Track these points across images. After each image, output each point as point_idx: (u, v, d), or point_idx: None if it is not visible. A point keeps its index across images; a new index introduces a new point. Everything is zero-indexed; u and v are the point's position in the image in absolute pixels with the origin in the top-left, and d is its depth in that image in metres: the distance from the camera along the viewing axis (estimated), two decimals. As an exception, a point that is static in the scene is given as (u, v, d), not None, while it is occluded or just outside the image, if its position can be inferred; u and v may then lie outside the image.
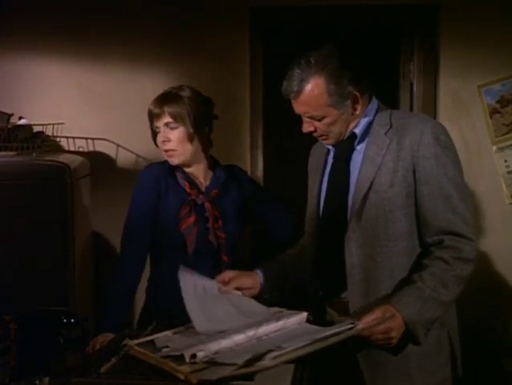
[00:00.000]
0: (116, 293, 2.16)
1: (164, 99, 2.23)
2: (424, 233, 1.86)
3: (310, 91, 1.84)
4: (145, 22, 3.17)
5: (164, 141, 2.22)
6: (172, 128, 2.21)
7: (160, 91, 2.32)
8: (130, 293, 2.20)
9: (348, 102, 1.87)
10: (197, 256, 2.19)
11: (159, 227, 2.23)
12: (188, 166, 2.28)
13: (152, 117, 2.23)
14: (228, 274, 2.01)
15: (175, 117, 2.20)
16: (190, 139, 2.23)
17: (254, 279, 2.04)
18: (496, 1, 3.08)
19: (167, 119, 2.20)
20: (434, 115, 3.13)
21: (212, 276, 2.07)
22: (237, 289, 1.99)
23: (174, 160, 2.24)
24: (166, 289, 2.23)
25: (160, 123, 2.22)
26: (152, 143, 2.30)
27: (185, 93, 2.24)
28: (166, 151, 2.23)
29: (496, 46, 3.06)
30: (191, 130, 2.22)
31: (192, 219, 2.20)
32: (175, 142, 2.21)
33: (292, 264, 2.15)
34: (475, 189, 3.04)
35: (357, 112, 1.90)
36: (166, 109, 2.20)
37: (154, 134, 2.28)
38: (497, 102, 3.08)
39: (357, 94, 1.87)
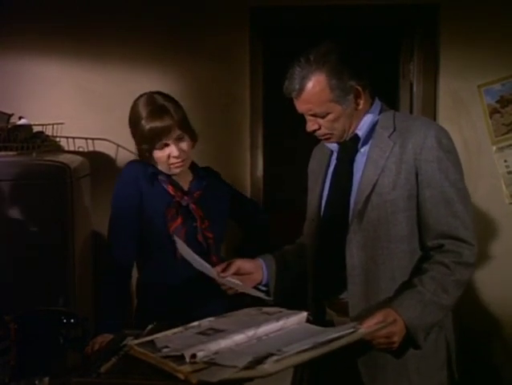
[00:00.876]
0: (111, 293, 2.13)
1: (166, 111, 2.12)
2: (425, 236, 1.86)
3: (312, 88, 1.84)
4: (145, 22, 3.17)
5: (179, 155, 2.14)
6: (181, 140, 2.15)
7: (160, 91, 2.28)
8: (124, 291, 2.19)
9: (351, 96, 1.87)
10: None
11: (146, 229, 2.20)
12: None
13: (161, 134, 2.10)
14: (226, 262, 2.00)
15: (184, 128, 2.15)
16: (194, 143, 2.22)
17: (255, 264, 2.03)
18: (496, 1, 3.08)
19: (177, 132, 2.13)
20: (434, 115, 3.13)
21: (201, 276, 2.06)
22: (237, 274, 1.98)
23: (179, 170, 2.20)
24: (154, 290, 2.24)
25: (169, 139, 2.12)
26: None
27: (169, 99, 2.17)
28: (176, 163, 2.16)
29: (496, 46, 3.06)
30: (195, 135, 2.21)
31: (179, 220, 2.18)
32: (186, 152, 2.17)
33: (292, 255, 2.14)
34: (475, 189, 3.04)
35: (360, 107, 1.90)
36: (175, 120, 2.12)
37: (148, 152, 2.16)
38: (497, 102, 3.08)
39: (359, 88, 1.87)
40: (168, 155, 2.15)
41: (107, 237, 2.26)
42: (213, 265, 2.14)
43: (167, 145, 2.14)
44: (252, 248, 2.37)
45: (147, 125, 2.11)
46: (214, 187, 2.32)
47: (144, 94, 2.20)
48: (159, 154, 2.16)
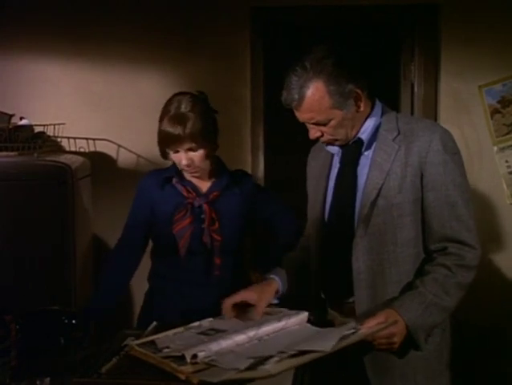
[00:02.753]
0: (105, 281, 2.25)
1: (182, 122, 2.12)
2: (428, 239, 1.85)
3: (312, 96, 1.81)
4: (145, 22, 3.17)
5: (187, 164, 2.17)
6: (192, 150, 2.16)
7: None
8: (117, 285, 2.28)
9: (350, 100, 1.85)
10: (190, 255, 2.20)
11: (155, 232, 2.27)
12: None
13: (171, 140, 2.14)
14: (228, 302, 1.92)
15: (197, 141, 2.14)
16: (210, 155, 2.22)
17: (262, 290, 1.96)
18: (496, 1, 3.08)
19: (188, 143, 2.13)
20: (435, 116, 3.13)
21: (203, 276, 2.21)
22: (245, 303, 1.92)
23: (197, 175, 2.24)
24: (157, 291, 2.29)
25: (181, 148, 2.15)
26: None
27: (197, 108, 2.16)
28: (188, 170, 2.20)
29: (496, 46, 3.06)
30: (213, 147, 2.22)
31: (187, 221, 2.19)
32: (198, 162, 2.18)
33: (300, 262, 2.10)
34: (476, 190, 3.04)
35: (361, 109, 1.88)
36: (188, 134, 2.12)
37: (165, 153, 2.21)
38: (498, 102, 3.08)
39: (358, 91, 1.85)
40: (179, 161, 2.18)
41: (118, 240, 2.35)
42: (216, 266, 2.21)
43: (178, 151, 2.17)
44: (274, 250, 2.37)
45: (162, 127, 2.15)
46: (236, 190, 2.30)
47: (180, 94, 2.21)
48: (173, 156, 2.20)
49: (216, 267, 2.22)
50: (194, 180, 2.27)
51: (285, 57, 2.05)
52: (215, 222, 2.22)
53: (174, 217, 2.20)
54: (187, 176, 2.25)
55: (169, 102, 2.19)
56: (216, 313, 1.93)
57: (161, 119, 2.17)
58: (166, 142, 2.15)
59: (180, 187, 2.24)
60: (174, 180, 2.25)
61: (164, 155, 2.22)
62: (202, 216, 2.22)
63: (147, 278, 2.35)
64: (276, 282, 1.99)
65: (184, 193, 2.23)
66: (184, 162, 2.16)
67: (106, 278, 2.27)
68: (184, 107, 2.15)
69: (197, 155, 2.16)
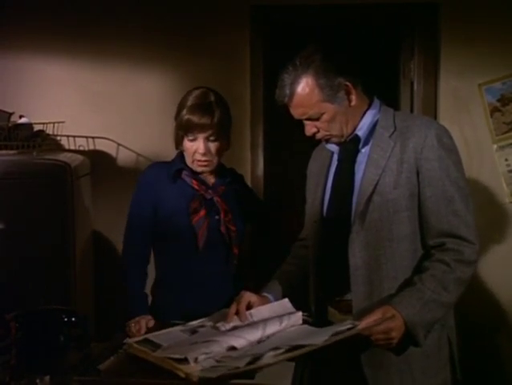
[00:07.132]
0: (135, 284, 2.22)
1: (210, 110, 2.19)
2: (426, 235, 1.86)
3: (302, 91, 1.86)
4: (146, 21, 3.17)
5: (204, 153, 2.20)
6: (211, 141, 2.21)
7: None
8: (144, 285, 2.26)
9: (341, 93, 1.87)
10: (209, 248, 2.21)
11: (166, 226, 2.25)
12: None
13: (194, 127, 2.18)
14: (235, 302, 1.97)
15: (219, 130, 2.20)
16: (224, 149, 2.28)
17: (263, 301, 1.99)
18: (496, 0, 3.07)
19: (210, 131, 2.19)
20: (435, 114, 3.13)
21: (223, 267, 2.25)
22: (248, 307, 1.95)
23: (206, 170, 2.26)
24: (173, 284, 2.27)
25: (201, 135, 2.19)
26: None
27: (221, 102, 2.24)
28: (200, 160, 2.23)
29: (496, 45, 3.06)
30: (228, 142, 2.28)
31: (202, 212, 2.22)
32: (213, 154, 2.23)
33: (296, 278, 2.13)
34: (476, 188, 3.04)
35: (353, 103, 1.89)
36: (214, 121, 2.18)
37: (180, 139, 2.25)
38: (498, 100, 3.08)
39: (348, 84, 1.88)
40: (196, 149, 2.21)
41: (123, 240, 2.32)
42: (235, 257, 2.26)
43: (197, 139, 2.21)
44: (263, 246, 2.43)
45: (186, 115, 2.19)
46: (237, 185, 2.40)
47: (201, 88, 2.28)
48: (188, 145, 2.23)
49: (234, 257, 2.27)
50: (202, 176, 2.30)
51: (285, 56, 2.06)
52: (228, 213, 2.27)
53: (190, 208, 2.22)
54: (196, 169, 2.27)
55: (191, 92, 2.25)
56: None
57: (182, 107, 2.22)
58: (189, 128, 2.19)
59: (190, 180, 2.27)
60: (184, 173, 2.27)
61: (179, 143, 2.26)
62: (214, 208, 2.26)
63: (153, 284, 2.35)
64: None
65: (196, 186, 2.26)
66: (201, 150, 2.20)
67: (135, 289, 2.23)
68: (211, 97, 2.22)
69: (215, 145, 2.22)
